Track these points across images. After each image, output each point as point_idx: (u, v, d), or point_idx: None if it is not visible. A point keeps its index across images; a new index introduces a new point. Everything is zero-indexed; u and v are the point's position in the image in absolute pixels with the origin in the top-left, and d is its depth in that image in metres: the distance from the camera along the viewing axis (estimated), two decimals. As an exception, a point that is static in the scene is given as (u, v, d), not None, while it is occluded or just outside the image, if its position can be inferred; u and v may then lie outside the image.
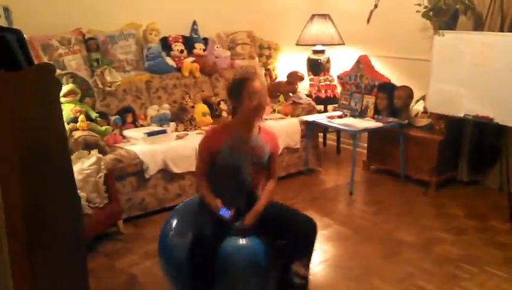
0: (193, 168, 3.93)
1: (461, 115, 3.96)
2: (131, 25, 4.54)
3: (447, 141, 4.28)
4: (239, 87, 2.50)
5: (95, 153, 3.41)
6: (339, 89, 5.23)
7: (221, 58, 4.90)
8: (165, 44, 4.70)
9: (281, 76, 5.27)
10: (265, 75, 5.15)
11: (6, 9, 3.71)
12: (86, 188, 3.23)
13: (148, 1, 4.70)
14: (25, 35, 1.94)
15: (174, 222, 2.67)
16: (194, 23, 4.92)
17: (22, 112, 1.77)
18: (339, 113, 4.80)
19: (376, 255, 3.24)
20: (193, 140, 4.09)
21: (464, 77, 3.92)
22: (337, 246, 3.41)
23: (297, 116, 4.75)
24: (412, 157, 4.46)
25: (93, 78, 4.15)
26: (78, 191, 2.76)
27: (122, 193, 3.67)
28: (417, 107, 4.61)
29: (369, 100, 4.69)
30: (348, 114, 4.74)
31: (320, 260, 3.18)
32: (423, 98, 4.48)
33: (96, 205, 3.28)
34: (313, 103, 4.98)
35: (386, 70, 4.97)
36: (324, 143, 5.76)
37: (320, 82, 5.30)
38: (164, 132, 4.08)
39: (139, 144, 3.89)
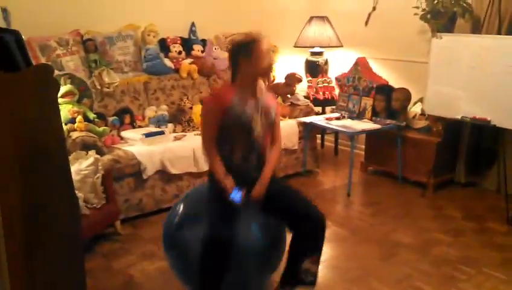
0: (191, 169, 3.97)
1: (459, 117, 3.97)
2: (129, 27, 4.54)
3: (444, 143, 4.29)
4: (249, 48, 2.43)
5: (92, 153, 3.41)
6: (336, 91, 5.24)
7: (219, 59, 4.90)
8: (163, 45, 4.70)
9: (279, 78, 5.28)
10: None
11: (4, 10, 3.71)
12: (83, 188, 3.23)
13: (146, 2, 4.70)
14: (23, 36, 1.94)
15: (182, 211, 2.67)
16: (193, 24, 4.92)
17: (21, 113, 1.77)
18: (336, 114, 4.80)
19: (373, 257, 3.24)
20: (191, 141, 4.10)
21: (462, 79, 3.94)
22: (335, 247, 3.41)
23: (295, 117, 4.75)
24: (409, 159, 4.46)
25: (91, 79, 4.14)
26: (76, 192, 2.75)
27: (120, 193, 3.66)
28: (415, 109, 4.62)
29: (367, 102, 4.70)
30: (346, 116, 4.75)
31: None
32: (421, 100, 4.49)
33: (94, 205, 3.28)
34: (311, 105, 4.99)
35: (384, 72, 4.99)
36: (322, 144, 5.77)
37: (318, 84, 5.31)
38: (162, 133, 4.08)
39: (137, 145, 3.89)
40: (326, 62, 5.45)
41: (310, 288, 2.54)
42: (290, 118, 4.76)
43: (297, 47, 5.40)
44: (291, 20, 5.53)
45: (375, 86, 4.70)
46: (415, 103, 4.62)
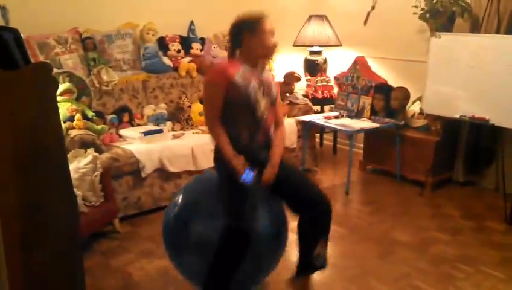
0: (189, 168, 3.97)
1: (457, 116, 3.98)
2: (128, 25, 4.54)
3: (443, 142, 4.29)
4: (254, 25, 2.42)
5: (91, 151, 3.41)
6: (335, 90, 5.24)
7: (218, 58, 4.90)
8: (162, 44, 4.71)
9: (278, 76, 5.28)
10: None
11: (3, 8, 3.72)
12: (82, 186, 3.23)
13: (145, 1, 4.70)
14: (21, 34, 1.94)
15: (181, 202, 2.59)
16: (191, 23, 4.92)
17: (19, 111, 1.77)
18: (335, 113, 4.81)
19: (372, 255, 3.25)
20: (189, 139, 4.11)
21: (460, 78, 3.94)
22: (333, 245, 3.40)
23: (294, 116, 4.76)
24: (408, 158, 4.47)
25: (90, 77, 4.14)
26: (74, 190, 2.75)
27: (118, 191, 3.66)
28: (413, 108, 4.63)
29: (366, 101, 4.70)
30: (345, 115, 4.75)
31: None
32: (419, 99, 4.49)
33: (92, 203, 3.28)
34: (310, 104, 4.99)
35: (383, 71, 4.99)
36: (321, 143, 5.77)
37: (317, 83, 5.31)
38: (160, 131, 4.08)
39: (136, 143, 3.89)
40: (325, 61, 5.45)
41: (321, 271, 2.58)
42: (288, 116, 4.76)
43: (296, 46, 5.40)
44: (291, 18, 5.53)
45: (374, 85, 4.70)
46: (414, 102, 4.63)
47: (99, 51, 4.28)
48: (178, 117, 4.46)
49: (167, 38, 4.73)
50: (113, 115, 4.15)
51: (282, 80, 5.04)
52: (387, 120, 4.49)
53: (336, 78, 5.17)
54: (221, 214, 2.35)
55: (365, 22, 5.13)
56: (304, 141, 4.75)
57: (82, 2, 4.31)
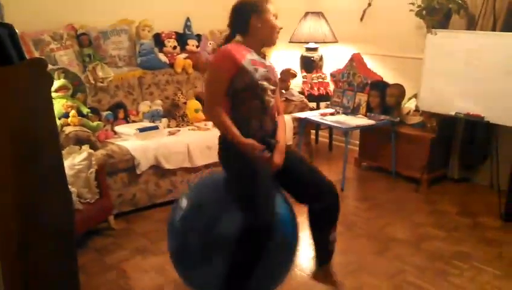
0: (185, 164, 3.97)
1: (453, 113, 3.99)
2: (123, 21, 4.52)
3: (438, 139, 4.30)
4: (262, 8, 2.33)
5: (86, 148, 3.40)
6: (331, 87, 5.24)
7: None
8: (158, 40, 4.69)
9: (274, 73, 5.27)
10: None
11: (-3, 4, 3.69)
12: (76, 183, 3.22)
13: (141, -3, 4.69)
14: (16, 30, 1.93)
15: (186, 204, 2.43)
16: (187, 19, 4.91)
17: (14, 107, 1.76)
18: (331, 110, 4.81)
19: (367, 251, 3.26)
20: (185, 136, 4.10)
21: (456, 75, 3.95)
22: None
23: (290, 113, 4.75)
24: (403, 155, 4.48)
25: (85, 74, 4.13)
26: (69, 187, 2.74)
27: (113, 188, 3.66)
28: (409, 105, 4.63)
29: (362, 98, 4.70)
30: (341, 111, 4.76)
31: (312, 255, 3.18)
32: (415, 96, 4.50)
33: (87, 200, 3.27)
34: (306, 100, 4.99)
35: (379, 68, 4.99)
36: (316, 140, 5.78)
37: (313, 79, 5.30)
38: (156, 128, 4.07)
39: (131, 140, 3.88)
40: (321, 58, 5.45)
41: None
42: (284, 113, 4.75)
43: (292, 42, 5.39)
44: (287, 15, 5.48)
45: (369, 81, 4.70)
46: (409, 99, 4.63)
47: (95, 47, 4.27)
48: (173, 114, 4.45)
49: (163, 35, 4.72)
50: (109, 112, 4.14)
51: (278, 76, 5.03)
52: (382, 117, 4.49)
53: (331, 75, 5.16)
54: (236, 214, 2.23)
55: (361, 19, 5.13)
56: (300, 137, 4.75)
57: (77, -2, 4.30)
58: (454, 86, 3.97)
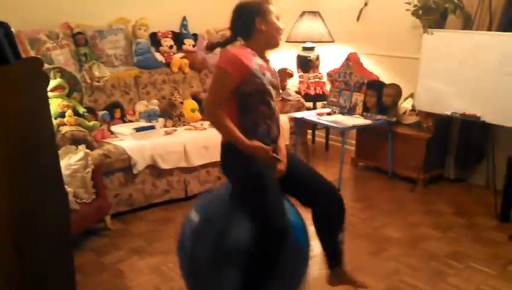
0: (182, 164, 3.96)
1: (449, 113, 3.99)
2: (120, 20, 4.51)
3: (434, 139, 4.31)
4: (265, 11, 2.29)
5: (82, 148, 3.39)
6: (328, 86, 5.24)
7: (210, 54, 4.88)
8: (154, 39, 4.68)
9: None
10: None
11: (-7, 3, 3.68)
12: (73, 183, 3.21)
13: (137, -4, 4.68)
14: (12, 29, 1.92)
15: (195, 220, 2.34)
16: (184, 19, 4.90)
17: (10, 107, 1.75)
18: (327, 110, 4.82)
19: (363, 251, 3.26)
20: (181, 136, 4.10)
21: (452, 75, 3.96)
22: (325, 242, 3.42)
23: (287, 113, 4.76)
24: (399, 155, 4.48)
25: (81, 73, 4.12)
26: (65, 187, 2.73)
27: (110, 188, 3.65)
28: (405, 105, 4.64)
29: (358, 98, 4.71)
30: (337, 111, 4.76)
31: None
32: (411, 96, 4.51)
33: (84, 200, 3.26)
34: (302, 100, 4.99)
35: (375, 68, 5.00)
36: (313, 140, 5.78)
37: (309, 79, 5.31)
38: (152, 127, 4.06)
39: (127, 140, 3.87)
40: (317, 57, 5.45)
41: None
42: (281, 113, 4.75)
43: (289, 42, 5.39)
44: (283, 14, 5.46)
45: (366, 81, 4.71)
46: (406, 99, 4.64)
47: (91, 46, 4.26)
48: (170, 113, 4.44)
49: (159, 34, 4.71)
50: (105, 111, 4.13)
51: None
52: (379, 117, 4.50)
53: (328, 74, 5.17)
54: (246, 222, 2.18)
55: (358, 19, 5.13)
56: (296, 137, 4.75)
57: (73, -3, 4.28)
58: (451, 86, 3.98)
